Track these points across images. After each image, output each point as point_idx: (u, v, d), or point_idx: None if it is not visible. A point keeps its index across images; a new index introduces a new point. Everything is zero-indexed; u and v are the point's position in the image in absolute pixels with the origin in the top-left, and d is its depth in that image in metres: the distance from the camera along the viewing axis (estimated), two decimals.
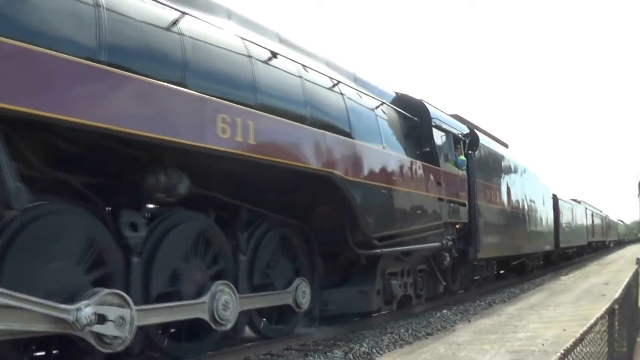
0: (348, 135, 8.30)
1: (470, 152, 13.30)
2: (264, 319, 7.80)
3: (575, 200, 33.80)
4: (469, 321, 10.18)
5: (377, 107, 9.63)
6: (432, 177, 10.82)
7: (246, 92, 6.47)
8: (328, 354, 7.14)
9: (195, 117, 5.60)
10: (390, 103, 10.64)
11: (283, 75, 7.24)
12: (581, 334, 3.20)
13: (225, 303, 6.46)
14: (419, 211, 10.11)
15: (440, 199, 11.00)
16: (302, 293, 7.99)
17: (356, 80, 9.61)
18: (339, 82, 8.51)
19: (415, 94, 12.20)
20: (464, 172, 12.71)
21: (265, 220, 7.66)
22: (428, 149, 11.18)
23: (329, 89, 8.27)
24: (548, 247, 22.48)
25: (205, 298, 6.25)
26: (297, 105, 7.35)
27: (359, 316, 9.59)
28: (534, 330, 8.75)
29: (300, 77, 7.56)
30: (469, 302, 12.60)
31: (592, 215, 40.42)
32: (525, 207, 18.52)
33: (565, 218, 27.25)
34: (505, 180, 16.38)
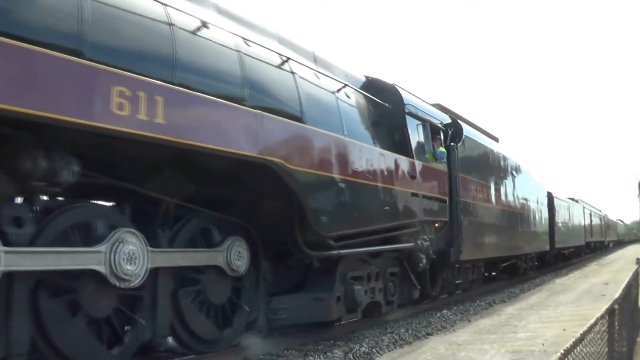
0: (298, 119, 7.22)
1: (452, 144, 12.25)
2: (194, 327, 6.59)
3: (572, 199, 32.86)
4: (469, 321, 10.19)
5: (338, 90, 8.56)
6: (404, 169, 9.69)
7: (163, 65, 5.52)
8: (328, 354, 7.14)
9: (80, 89, 4.65)
10: (360, 88, 9.64)
11: (215, 48, 6.25)
12: (581, 334, 3.19)
13: (130, 254, 5.44)
14: (387, 207, 8.97)
15: (415, 195, 9.91)
16: (236, 254, 6.80)
17: (316, 60, 8.59)
18: (288, 59, 7.44)
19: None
20: (445, 166, 11.66)
21: (196, 217, 6.61)
22: (401, 139, 10.03)
23: (277, 66, 7.21)
24: (542, 248, 21.52)
25: (103, 247, 5.30)
26: (232, 84, 6.35)
27: (316, 326, 8.41)
28: (534, 330, 8.74)
29: (239, 51, 6.53)
30: (469, 302, 12.60)
31: (591, 215, 39.39)
32: (517, 205, 17.49)
33: (561, 217, 26.26)
34: (494, 176, 15.40)
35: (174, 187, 6.16)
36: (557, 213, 24.95)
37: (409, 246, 9.91)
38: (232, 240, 6.81)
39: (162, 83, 5.31)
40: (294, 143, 7.01)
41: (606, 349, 4.22)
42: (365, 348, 7.51)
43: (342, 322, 8.62)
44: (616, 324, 4.80)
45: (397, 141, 9.96)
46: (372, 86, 10.10)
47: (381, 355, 7.37)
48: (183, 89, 5.54)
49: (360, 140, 8.61)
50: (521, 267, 19.10)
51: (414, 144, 10.21)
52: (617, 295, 5.14)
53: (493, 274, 17.63)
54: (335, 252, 7.76)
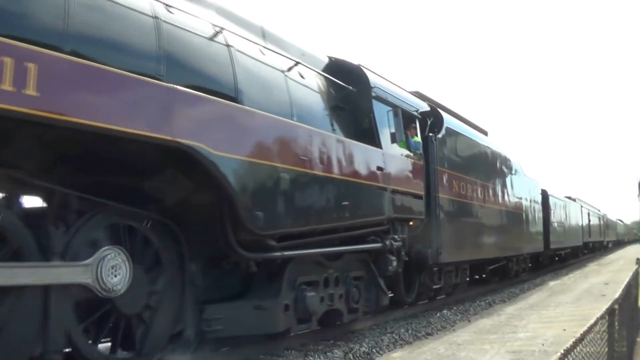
0: (231, 98, 6.18)
1: (431, 134, 11.32)
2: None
3: (569, 198, 31.79)
4: (469, 321, 10.19)
5: (289, 69, 7.47)
6: (369, 160, 8.48)
7: (51, 32, 4.62)
8: (328, 354, 7.15)
9: None
10: (322, 69, 8.62)
11: (125, 13, 5.29)
12: (581, 334, 3.20)
13: None
14: (346, 203, 7.75)
15: (382, 189, 8.69)
16: (109, 269, 5.19)
17: (265, 35, 7.56)
18: (222, 29, 6.40)
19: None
20: (422, 158, 10.49)
21: (102, 212, 5.43)
22: (367, 126, 8.84)
23: (208, 38, 6.21)
24: (536, 249, 20.43)
25: None
26: (144, 56, 5.40)
27: (265, 338, 7.30)
28: (534, 330, 8.75)
29: (156, 17, 5.57)
30: (469, 302, 12.60)
31: (589, 214, 38.26)
32: (508, 203, 16.43)
33: (557, 216, 25.14)
34: (481, 171, 14.29)
35: (69, 176, 5.21)
36: (552, 212, 23.85)
37: (374, 247, 8.67)
38: (107, 252, 5.22)
39: (37, 48, 4.33)
40: (221, 125, 5.91)
41: (606, 349, 4.22)
42: (365, 348, 7.52)
43: (292, 334, 7.54)
44: (616, 324, 4.80)
45: (363, 129, 8.75)
46: (335, 67, 8.91)
47: (381, 355, 7.37)
48: (64, 56, 4.56)
49: (316, 126, 7.45)
50: (512, 269, 17.89)
51: (382, 132, 8.95)
52: (617, 295, 5.14)
53: (483, 276, 16.84)
54: (278, 254, 6.66)
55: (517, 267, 18.47)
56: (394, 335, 8.49)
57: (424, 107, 11.51)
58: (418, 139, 10.38)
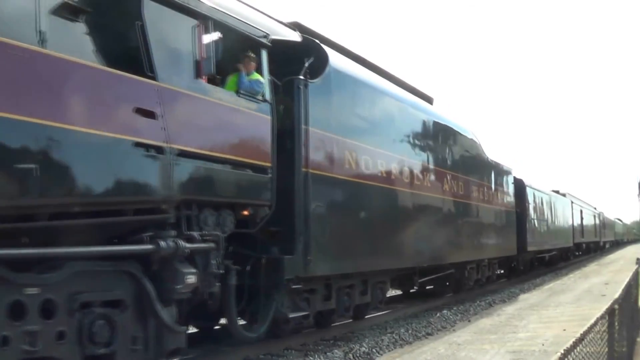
0: None
1: (302, 78, 7.54)
2: None
3: (557, 192, 27.72)
4: (469, 321, 10.20)
5: None
6: (116, 96, 5.18)
7: None
8: (328, 354, 7.16)
9: None
10: None
11: None
12: (581, 334, 3.20)
13: None
14: (32, 166, 4.35)
15: (158, 149, 5.36)
16: None
17: None
18: None
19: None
20: (271, 110, 6.92)
21: None
22: (133, 42, 5.46)
23: None
24: (505, 252, 16.38)
25: None
26: None
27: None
28: (534, 330, 8.76)
29: None
30: (469, 302, 12.61)
31: (581, 211, 34.09)
32: (457, 191, 12.48)
33: (537, 212, 21.13)
34: (408, 144, 10.48)
35: None
36: (530, 206, 19.90)
37: (125, 250, 5.35)
38: None
39: None
40: None
41: (606, 349, 4.22)
42: (365, 348, 7.53)
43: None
44: (616, 324, 4.81)
45: (127, 46, 5.47)
46: None
47: (381, 355, 7.38)
48: None
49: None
50: (470, 280, 13.89)
51: (164, 55, 5.59)
52: (617, 295, 5.14)
53: (427, 288, 13.55)
54: None
55: (478, 276, 14.50)
56: (394, 335, 8.50)
57: (292, 36, 8.21)
58: (259, 77, 6.76)
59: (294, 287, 7.21)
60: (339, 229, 8.21)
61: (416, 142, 10.94)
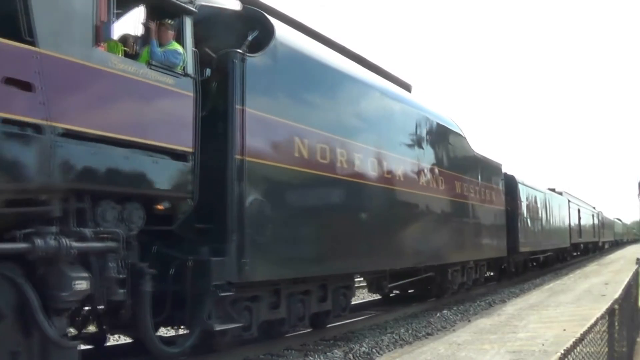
0: None
1: (238, 51, 6.52)
2: None
3: (553, 190, 26.60)
4: (469, 321, 10.20)
5: None
6: None
7: None
8: (328, 354, 7.16)
9: None
10: None
11: None
12: (581, 334, 3.20)
13: None
14: None
15: (36, 128, 4.55)
16: None
17: None
18: None
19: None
20: (193, 86, 5.95)
21: None
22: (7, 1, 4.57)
23: None
24: (494, 253, 15.21)
25: None
26: None
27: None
28: (534, 330, 8.75)
29: None
30: (469, 302, 12.60)
31: (579, 211, 33.01)
32: (435, 186, 11.32)
33: (531, 210, 20.06)
34: (378, 133, 9.39)
35: None
36: (523, 204, 18.82)
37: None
38: None
39: None
40: None
41: (606, 349, 4.22)
42: (365, 348, 7.53)
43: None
44: (616, 324, 4.81)
45: (8, 6, 4.54)
46: None
47: (381, 355, 7.38)
48: None
49: None
50: (453, 284, 12.84)
51: (52, 17, 4.75)
52: (617, 295, 5.14)
53: (410, 291, 12.65)
54: None
55: (464, 279, 13.50)
56: (394, 335, 8.51)
57: (230, 4, 7.28)
58: (179, 48, 5.91)
59: (222, 294, 6.02)
60: (286, 227, 7.08)
61: (388, 131, 9.82)
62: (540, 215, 21.58)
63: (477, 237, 13.78)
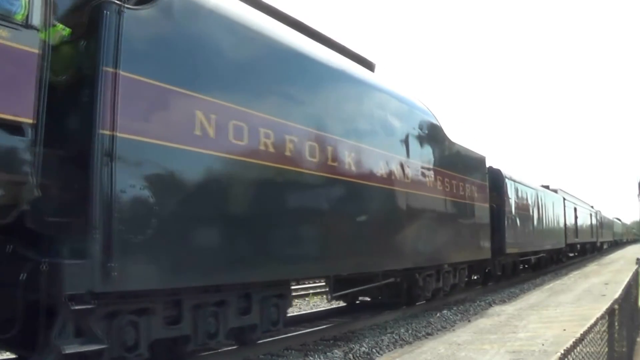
0: None
1: (119, 2, 5.26)
2: None
3: (546, 187, 24.96)
4: (469, 321, 10.20)
5: None
6: None
7: None
8: (328, 354, 7.16)
9: None
10: None
11: None
12: (581, 334, 3.19)
13: None
14: None
15: None
16: None
17: None
18: None
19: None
20: (29, 38, 4.55)
21: None
22: None
23: None
24: (476, 255, 13.67)
25: None
26: None
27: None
28: (534, 330, 8.75)
29: None
30: (469, 302, 12.60)
31: (575, 210, 31.32)
32: (398, 178, 9.69)
33: (520, 208, 18.39)
34: (318, 112, 7.87)
35: None
36: (510, 201, 17.24)
37: None
38: None
39: None
40: None
41: (606, 349, 4.22)
42: (365, 348, 7.53)
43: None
44: (616, 324, 4.81)
45: None
46: None
47: (381, 355, 7.38)
48: None
49: None
50: (424, 290, 11.21)
51: None
52: (617, 295, 5.14)
53: (384, 298, 11.32)
54: None
55: (439, 285, 11.88)
56: (394, 335, 8.50)
57: None
58: None
59: (76, 308, 4.70)
60: (181, 223, 5.66)
61: (336, 112, 8.31)
62: (531, 213, 20.11)
63: (453, 237, 12.18)
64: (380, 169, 9.24)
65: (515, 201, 17.82)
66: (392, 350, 7.72)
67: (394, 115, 10.03)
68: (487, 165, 15.39)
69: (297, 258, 7.34)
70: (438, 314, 10.73)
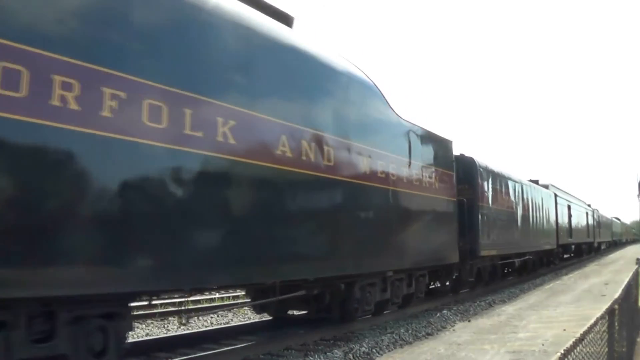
0: None
1: None
2: None
3: (534, 182, 21.90)
4: (469, 321, 10.20)
5: None
6: None
7: None
8: (328, 354, 7.16)
9: None
10: None
11: None
12: (581, 334, 3.20)
13: None
14: None
15: None
16: None
17: None
18: None
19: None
20: None
21: None
22: None
23: None
24: (439, 259, 11.63)
25: None
26: None
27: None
28: (534, 330, 8.76)
29: None
30: (469, 302, 12.60)
31: (569, 207, 28.64)
32: (323, 163, 7.64)
33: (499, 203, 15.62)
34: (200, 72, 5.94)
35: None
36: (487, 196, 14.64)
37: None
38: None
39: None
40: None
41: (606, 349, 4.22)
42: (365, 348, 7.53)
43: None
44: (616, 324, 4.81)
45: None
46: None
47: (381, 355, 7.38)
48: None
49: None
50: (363, 303, 9.22)
51: None
52: (617, 295, 5.14)
53: (330, 309, 9.07)
54: None
55: (387, 296, 9.84)
56: (394, 335, 8.50)
57: None
58: None
59: None
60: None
61: (229, 74, 6.34)
62: (514, 210, 17.25)
63: (398, 238, 9.69)
64: (283, 145, 6.90)
65: (492, 195, 15.08)
66: (392, 350, 7.71)
67: (310, 79, 7.83)
68: (458, 153, 13.22)
69: (164, 267, 5.33)
70: (438, 314, 10.74)
